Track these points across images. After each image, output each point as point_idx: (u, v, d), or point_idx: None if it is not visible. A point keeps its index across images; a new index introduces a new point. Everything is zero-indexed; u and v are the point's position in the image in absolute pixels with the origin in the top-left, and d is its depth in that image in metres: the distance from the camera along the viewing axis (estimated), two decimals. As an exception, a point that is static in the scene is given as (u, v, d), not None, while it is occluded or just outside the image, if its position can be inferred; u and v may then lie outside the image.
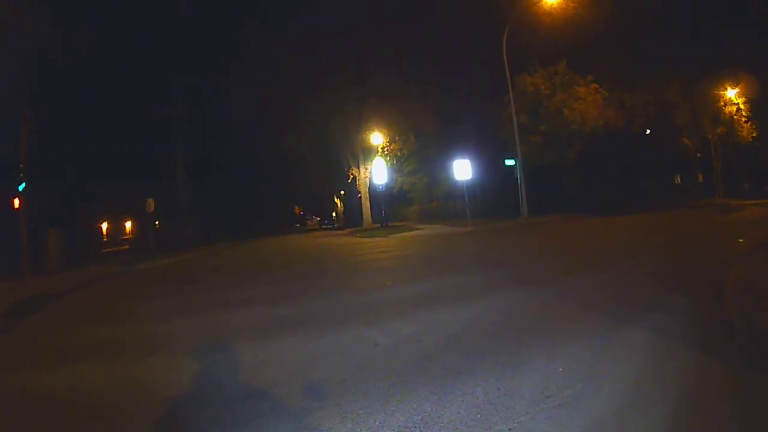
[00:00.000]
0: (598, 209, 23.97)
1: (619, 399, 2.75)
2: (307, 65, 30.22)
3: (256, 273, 12.14)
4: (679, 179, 38.94)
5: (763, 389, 2.81)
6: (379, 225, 30.30)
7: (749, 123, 31.00)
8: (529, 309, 5.21)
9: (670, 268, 7.18)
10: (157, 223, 28.25)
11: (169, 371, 4.12)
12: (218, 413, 3.00)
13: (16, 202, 14.69)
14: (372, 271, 10.35)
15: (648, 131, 32.46)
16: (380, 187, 30.28)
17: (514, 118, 24.99)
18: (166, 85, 33.97)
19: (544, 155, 28.30)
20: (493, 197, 29.92)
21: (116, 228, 48.45)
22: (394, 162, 33.16)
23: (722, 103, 31.29)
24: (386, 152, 32.46)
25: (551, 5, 22.80)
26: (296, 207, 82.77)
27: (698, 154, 34.57)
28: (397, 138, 32.67)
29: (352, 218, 45.16)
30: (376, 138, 31.49)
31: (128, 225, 49.88)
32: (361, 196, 35.02)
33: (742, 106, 31.10)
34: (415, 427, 2.58)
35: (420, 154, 33.93)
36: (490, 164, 29.32)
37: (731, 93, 31.09)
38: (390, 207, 34.14)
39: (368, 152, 32.76)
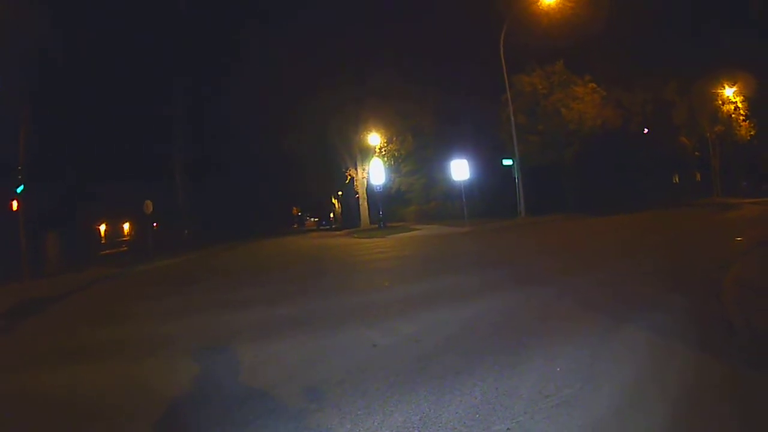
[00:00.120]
0: (596, 209, 24.01)
1: (618, 398, 2.75)
2: (307, 65, 30.25)
3: (256, 274, 12.15)
4: (677, 178, 38.98)
5: (763, 388, 2.81)
6: (376, 225, 30.29)
7: (747, 121, 31.02)
8: (527, 309, 5.23)
9: (669, 267, 7.19)
10: (155, 224, 28.17)
11: (169, 372, 4.14)
12: (218, 414, 3.01)
13: (15, 205, 14.65)
14: (370, 271, 10.36)
15: (646, 130, 32.46)
16: (378, 188, 30.27)
17: (512, 118, 24.98)
18: (166, 85, 33.99)
19: (541, 155, 28.28)
20: (490, 197, 29.93)
21: (114, 230, 48.39)
22: (392, 162, 33.16)
23: (720, 102, 31.30)
24: (384, 153, 32.47)
25: (548, 5, 22.81)
26: (294, 208, 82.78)
27: (696, 153, 34.58)
28: (394, 138, 32.69)
29: (349, 219, 45.11)
30: (374, 138, 31.50)
31: (126, 227, 49.80)
32: (358, 197, 35.02)
33: (740, 105, 31.12)
34: (413, 427, 2.58)
35: (417, 154, 33.92)
36: (487, 164, 29.32)
37: (729, 91, 31.09)
38: (387, 207, 34.12)
39: (366, 153, 32.77)
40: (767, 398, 2.69)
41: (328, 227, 56.82)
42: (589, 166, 28.50)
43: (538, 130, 28.40)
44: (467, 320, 4.85)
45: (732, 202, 25.07)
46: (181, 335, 5.42)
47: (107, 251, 33.23)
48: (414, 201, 38.07)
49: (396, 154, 33.08)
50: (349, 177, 34.80)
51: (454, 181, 22.86)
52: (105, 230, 46.19)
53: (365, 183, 33.45)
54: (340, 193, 51.63)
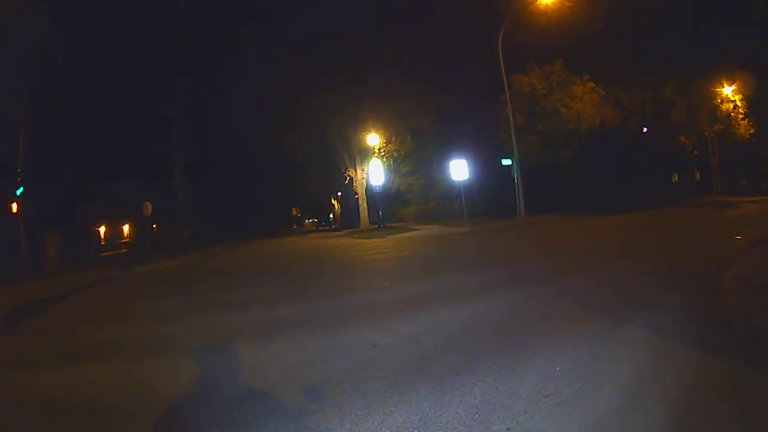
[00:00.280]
0: (596, 208, 24.01)
1: (618, 398, 2.75)
2: (306, 65, 30.27)
3: (256, 274, 12.16)
4: (676, 177, 39.01)
5: (763, 387, 2.81)
6: (376, 226, 30.31)
7: (746, 120, 31.07)
8: (527, 309, 5.23)
9: (668, 266, 7.20)
10: (155, 225, 28.17)
11: (169, 372, 4.14)
12: (218, 413, 3.02)
13: (14, 207, 14.65)
14: (370, 272, 10.37)
15: (645, 129, 32.51)
16: (377, 188, 30.30)
17: (511, 118, 24.99)
18: (166, 85, 33.98)
19: (541, 155, 28.32)
20: (490, 197, 29.93)
21: (114, 231, 48.22)
22: (391, 163, 33.18)
23: (719, 101, 31.34)
24: (383, 153, 32.49)
25: (547, 5, 22.88)
26: (294, 209, 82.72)
27: (695, 152, 34.63)
28: (393, 138, 32.72)
29: (349, 219, 45.13)
30: (373, 139, 31.52)
31: (126, 228, 49.69)
32: (358, 198, 35.03)
33: (739, 104, 31.15)
34: (413, 427, 2.58)
35: (417, 154, 33.94)
36: (487, 164, 29.33)
37: (728, 90, 31.14)
38: (387, 208, 34.15)
39: (365, 153, 32.82)
40: (767, 397, 2.69)
41: (328, 227, 56.80)
42: (588, 165, 28.51)
43: (537, 129, 28.45)
44: (467, 320, 4.85)
45: (731, 200, 25.09)
46: (181, 335, 5.43)
47: (107, 253, 33.18)
48: (413, 201, 38.07)
49: (395, 154, 33.12)
50: (348, 177, 34.85)
51: (453, 181, 22.87)
52: (105, 232, 46.03)
53: (364, 183, 33.49)
54: (339, 193, 51.65)
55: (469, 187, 24.38)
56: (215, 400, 3.29)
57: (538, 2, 23.01)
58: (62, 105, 26.18)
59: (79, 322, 7.32)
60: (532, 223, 21.34)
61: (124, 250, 35.56)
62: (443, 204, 32.83)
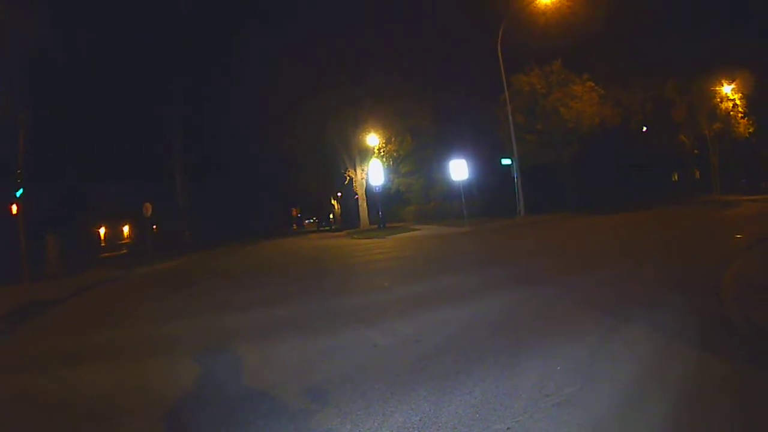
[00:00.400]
0: (595, 207, 24.03)
1: (618, 397, 2.75)
2: (306, 66, 30.29)
3: (256, 275, 12.15)
4: (676, 176, 39.03)
5: (763, 386, 2.81)
6: (376, 226, 30.28)
7: (746, 119, 30.99)
8: (527, 308, 5.23)
9: (668, 265, 7.20)
10: (154, 226, 28.16)
11: (170, 373, 4.15)
12: (221, 414, 3.02)
13: (14, 208, 14.64)
14: (370, 272, 10.36)
15: (645, 129, 32.50)
16: (377, 189, 30.29)
17: (510, 118, 24.98)
18: (166, 85, 33.94)
19: (540, 154, 28.33)
20: (489, 197, 29.94)
21: (114, 233, 48.30)
22: (391, 163, 33.18)
23: (719, 100, 31.28)
24: (382, 153, 32.49)
25: (546, 4, 22.86)
26: (293, 209, 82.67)
27: (695, 151, 34.60)
28: (393, 139, 32.72)
29: (349, 220, 45.14)
30: (372, 139, 31.51)
31: (126, 229, 49.73)
32: (358, 198, 35.02)
33: (738, 102, 31.08)
34: (413, 427, 2.59)
35: (416, 154, 33.93)
36: (486, 164, 29.34)
37: (728, 89, 31.09)
38: (387, 208, 34.12)
39: (365, 153, 32.82)
40: (767, 397, 2.68)
41: (328, 228, 56.80)
42: (588, 164, 28.53)
43: (537, 129, 28.45)
44: (467, 320, 4.85)
45: (731, 199, 25.07)
46: (182, 336, 5.43)
47: (107, 254, 33.19)
48: (413, 201, 38.06)
49: (395, 154, 33.13)
50: (348, 178, 34.84)
51: (453, 181, 22.86)
52: (104, 233, 46.14)
53: (364, 183, 33.50)
54: (339, 194, 51.67)
55: (468, 187, 24.38)
56: (216, 401, 3.30)
57: (537, 2, 22.99)
58: (62, 105, 26.26)
59: (79, 323, 7.33)
60: (532, 222, 21.32)
61: (124, 251, 35.57)
62: (443, 204, 32.84)
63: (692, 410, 2.59)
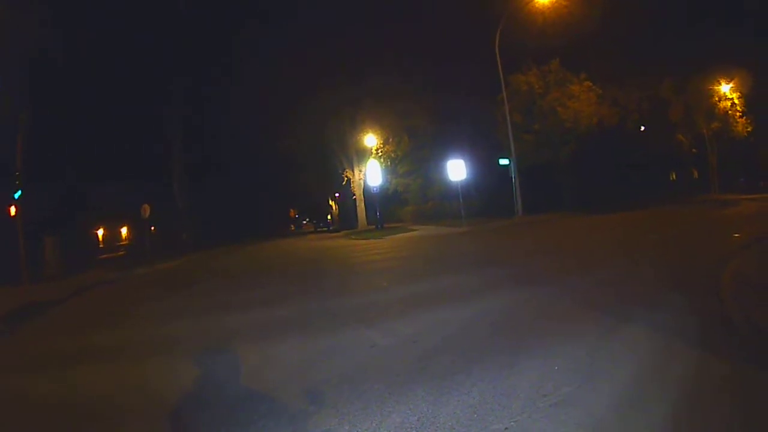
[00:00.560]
0: (593, 207, 24.03)
1: (618, 397, 2.76)
2: (306, 65, 30.24)
3: (256, 275, 12.17)
4: (674, 175, 39.02)
5: (763, 386, 2.82)
6: (374, 227, 30.25)
7: (744, 118, 30.99)
8: (526, 308, 5.24)
9: (667, 265, 7.22)
10: (153, 228, 28.13)
11: (170, 373, 4.16)
12: (221, 414, 3.03)
13: (13, 210, 14.62)
14: (369, 272, 10.38)
15: (642, 128, 32.51)
16: (375, 189, 30.29)
17: (508, 118, 24.98)
18: (166, 85, 33.83)
19: (538, 154, 28.31)
20: (487, 197, 29.93)
21: (112, 234, 48.29)
22: (388, 163, 33.14)
23: (716, 99, 31.29)
24: (380, 154, 32.48)
25: (543, 4, 22.88)
26: (291, 210, 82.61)
27: (693, 150, 34.61)
28: (390, 139, 32.71)
29: (347, 220, 45.07)
30: (370, 140, 31.51)
31: (124, 231, 49.68)
32: (356, 198, 35.01)
33: (736, 101, 31.07)
34: (411, 427, 2.60)
35: (414, 155, 33.88)
36: (484, 164, 29.29)
37: (725, 88, 31.10)
38: (385, 208, 34.08)
39: (362, 154, 32.81)
40: (767, 397, 2.70)
41: (326, 228, 56.76)
42: (586, 164, 28.52)
43: (534, 129, 28.45)
44: (466, 320, 4.87)
45: (729, 198, 25.11)
46: (181, 337, 5.44)
47: (105, 255, 33.16)
48: (411, 201, 38.02)
49: (392, 155, 33.09)
50: (346, 178, 34.82)
51: (451, 181, 22.89)
52: (103, 235, 46.13)
53: (362, 184, 33.50)
54: (337, 195, 51.63)
55: (466, 187, 24.41)
56: (216, 401, 3.31)
57: (534, 2, 23.01)
58: (62, 105, 26.19)
59: (79, 323, 7.34)
60: (530, 222, 21.34)
61: (122, 253, 35.51)
62: (441, 204, 32.83)
63: (692, 410, 2.59)
